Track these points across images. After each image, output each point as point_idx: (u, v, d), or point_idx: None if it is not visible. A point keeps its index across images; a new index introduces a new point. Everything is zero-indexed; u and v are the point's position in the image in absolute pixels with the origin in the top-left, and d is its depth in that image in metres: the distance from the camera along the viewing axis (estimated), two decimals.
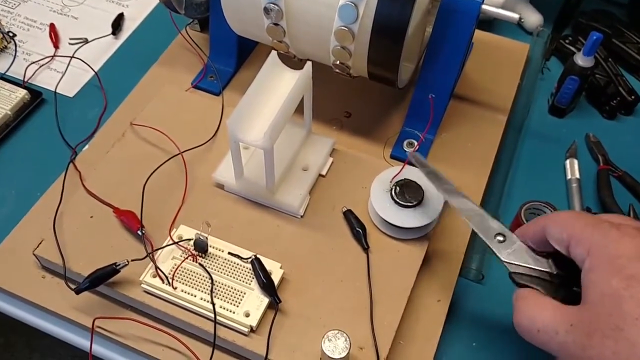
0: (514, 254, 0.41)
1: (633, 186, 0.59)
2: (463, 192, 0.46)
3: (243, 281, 0.48)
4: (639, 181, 0.60)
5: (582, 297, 0.35)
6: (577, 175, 0.60)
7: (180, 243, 0.49)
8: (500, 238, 0.42)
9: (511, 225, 0.57)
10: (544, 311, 0.37)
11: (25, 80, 0.66)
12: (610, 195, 0.58)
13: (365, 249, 0.51)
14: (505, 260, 0.42)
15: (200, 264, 0.48)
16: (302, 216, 0.53)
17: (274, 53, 0.51)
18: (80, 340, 0.50)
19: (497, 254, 0.42)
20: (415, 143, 0.59)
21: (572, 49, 0.69)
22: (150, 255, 0.49)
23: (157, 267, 0.48)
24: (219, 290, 0.47)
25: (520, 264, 0.41)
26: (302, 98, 0.52)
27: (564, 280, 0.40)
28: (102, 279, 0.48)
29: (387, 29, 0.49)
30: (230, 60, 0.65)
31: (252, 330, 0.46)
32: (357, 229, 0.51)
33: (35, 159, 0.61)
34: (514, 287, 0.41)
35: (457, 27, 0.54)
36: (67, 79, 0.67)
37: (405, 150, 0.59)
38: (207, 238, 0.49)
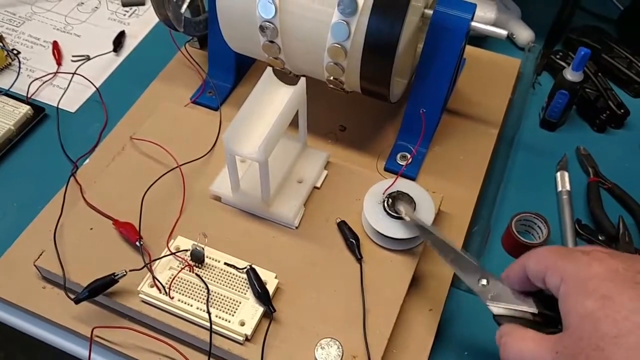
0: (497, 296, 0.42)
1: (623, 198, 0.61)
2: (444, 236, 0.47)
3: (238, 291, 0.49)
4: (629, 193, 0.61)
5: (563, 323, 0.36)
6: (568, 188, 0.61)
7: (177, 254, 0.50)
8: (484, 282, 0.43)
9: (503, 237, 0.58)
10: (529, 343, 0.38)
11: (29, 96, 0.68)
12: (600, 207, 0.59)
13: (359, 259, 0.52)
14: (489, 303, 0.43)
15: (196, 274, 0.50)
16: (297, 227, 0.54)
17: (269, 69, 0.53)
18: (79, 350, 0.51)
19: (481, 297, 0.43)
20: (408, 156, 0.61)
21: (563, 64, 0.70)
22: (148, 265, 0.50)
23: (154, 277, 0.49)
24: (214, 300, 0.48)
25: (504, 305, 0.42)
26: (297, 112, 0.54)
27: (547, 318, 0.40)
28: (101, 289, 0.49)
29: (378, 45, 0.51)
30: (229, 76, 0.67)
31: (247, 339, 0.47)
32: (351, 239, 0.52)
33: (37, 172, 0.62)
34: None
35: (447, 43, 0.56)
36: (69, 95, 0.69)
37: (399, 163, 0.61)
38: (203, 249, 0.50)
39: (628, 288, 0.34)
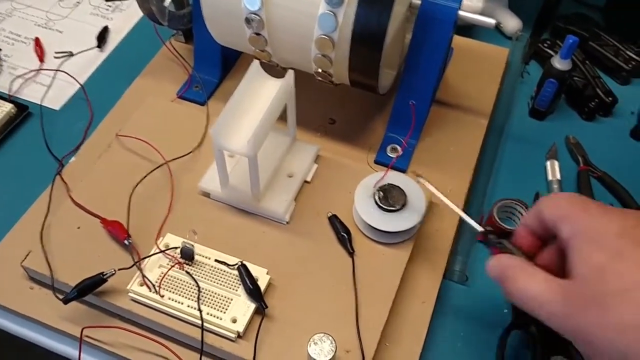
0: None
1: (613, 186, 0.61)
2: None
3: (230, 288, 0.48)
4: (619, 181, 0.61)
5: (570, 271, 0.37)
6: (558, 177, 0.61)
7: (167, 251, 0.50)
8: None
9: (485, 224, 0.57)
10: (535, 281, 0.38)
11: (11, 94, 0.67)
12: (590, 195, 0.60)
13: (351, 253, 0.51)
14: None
15: (187, 271, 0.49)
16: (287, 222, 0.54)
17: (256, 62, 0.52)
18: (69, 350, 0.50)
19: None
20: (399, 148, 0.60)
21: (551, 52, 0.70)
22: (137, 264, 0.49)
23: (144, 276, 0.48)
24: (205, 297, 0.48)
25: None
26: (286, 106, 0.53)
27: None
28: (89, 289, 0.48)
29: (366, 36, 0.50)
30: (215, 70, 0.66)
31: (239, 336, 0.47)
32: (342, 233, 0.52)
33: (22, 171, 0.61)
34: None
35: (435, 33, 0.55)
36: (52, 92, 0.68)
37: (389, 156, 0.60)
38: (193, 246, 0.49)
39: (638, 246, 0.35)
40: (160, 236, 0.51)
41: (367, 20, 0.50)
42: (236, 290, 0.48)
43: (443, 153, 0.61)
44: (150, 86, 0.66)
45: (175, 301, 0.47)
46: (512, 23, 0.74)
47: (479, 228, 0.45)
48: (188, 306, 0.47)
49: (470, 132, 0.63)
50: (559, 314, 0.36)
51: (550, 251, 0.42)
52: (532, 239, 0.42)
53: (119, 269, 0.48)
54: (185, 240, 0.49)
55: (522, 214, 0.56)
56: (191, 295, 0.48)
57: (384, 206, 0.51)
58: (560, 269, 0.39)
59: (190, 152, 0.58)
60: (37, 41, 0.72)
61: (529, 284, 0.38)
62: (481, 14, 0.56)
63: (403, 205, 0.52)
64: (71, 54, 0.71)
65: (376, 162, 0.60)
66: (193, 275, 0.49)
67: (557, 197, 0.40)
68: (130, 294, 0.48)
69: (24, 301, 0.51)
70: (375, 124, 0.64)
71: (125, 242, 0.51)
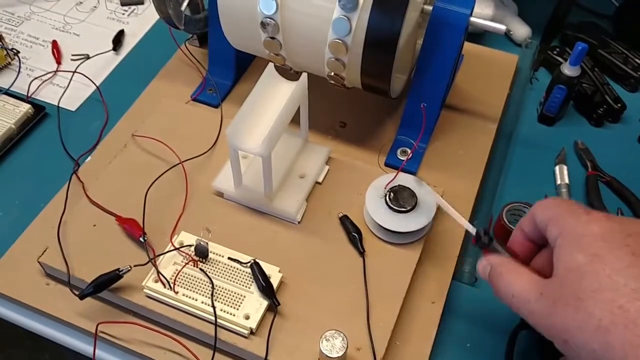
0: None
1: (620, 191, 0.61)
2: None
3: (243, 285, 0.49)
4: (627, 186, 0.61)
5: (553, 270, 0.38)
6: (567, 181, 0.62)
7: (181, 249, 0.51)
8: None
9: (494, 227, 0.58)
10: (520, 279, 0.40)
11: (29, 95, 0.68)
12: (598, 199, 0.60)
13: (361, 253, 0.52)
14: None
15: (200, 268, 0.50)
16: (299, 222, 0.54)
17: (271, 65, 0.53)
18: (84, 346, 0.51)
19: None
20: (409, 151, 0.61)
21: (560, 59, 0.71)
22: (152, 260, 0.50)
23: (159, 272, 0.49)
24: (219, 294, 0.49)
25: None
26: (299, 108, 0.54)
27: None
28: (105, 285, 0.49)
29: (379, 41, 0.51)
30: (229, 73, 0.67)
31: (252, 332, 0.47)
32: (353, 233, 0.53)
33: (38, 170, 0.63)
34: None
35: (446, 38, 0.56)
36: (69, 93, 0.69)
37: (399, 158, 0.61)
38: (207, 244, 0.50)
39: (617, 249, 0.36)
40: (175, 234, 0.52)
41: (380, 25, 0.51)
42: (249, 288, 0.49)
43: (452, 156, 0.62)
44: (165, 89, 0.68)
45: (190, 297, 0.48)
46: (521, 30, 0.75)
47: (472, 229, 0.45)
48: (202, 303, 0.48)
49: (480, 136, 0.64)
50: (538, 312, 0.37)
51: (544, 254, 0.43)
52: (527, 244, 0.44)
53: (135, 266, 0.49)
54: (200, 238, 0.50)
55: None
56: (205, 292, 0.49)
57: (394, 207, 0.52)
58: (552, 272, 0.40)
59: (205, 153, 0.59)
60: (54, 44, 0.74)
61: (513, 281, 0.40)
62: (491, 21, 0.57)
63: (413, 207, 0.52)
64: (87, 57, 0.73)
65: (386, 164, 0.61)
66: (207, 273, 0.49)
67: (548, 200, 0.42)
68: (145, 290, 0.49)
69: (40, 297, 0.52)
70: (385, 127, 0.65)
71: (141, 239, 0.51)
